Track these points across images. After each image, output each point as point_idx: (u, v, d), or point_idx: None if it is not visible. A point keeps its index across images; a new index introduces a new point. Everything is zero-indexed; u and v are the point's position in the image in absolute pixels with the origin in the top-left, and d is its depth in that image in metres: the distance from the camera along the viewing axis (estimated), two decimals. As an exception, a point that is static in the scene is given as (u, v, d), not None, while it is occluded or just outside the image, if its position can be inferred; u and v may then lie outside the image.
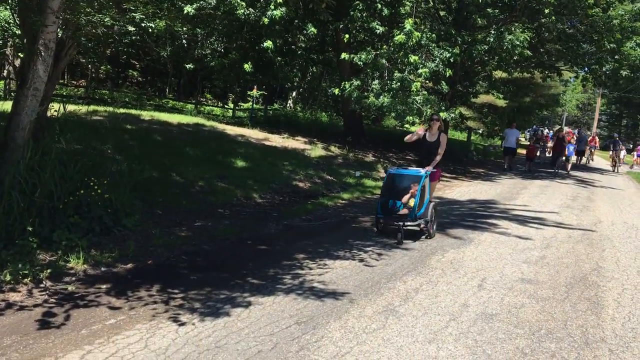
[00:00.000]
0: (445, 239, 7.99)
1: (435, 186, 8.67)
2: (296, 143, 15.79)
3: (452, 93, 18.99)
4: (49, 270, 5.17)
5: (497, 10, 17.20)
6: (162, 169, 9.67)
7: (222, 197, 9.40)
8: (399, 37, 12.83)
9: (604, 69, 19.71)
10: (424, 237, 7.86)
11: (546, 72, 23.23)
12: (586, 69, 21.81)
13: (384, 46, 14.30)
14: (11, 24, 13.80)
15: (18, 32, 11.41)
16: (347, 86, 14.31)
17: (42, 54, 6.13)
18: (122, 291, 4.99)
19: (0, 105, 10.20)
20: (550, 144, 25.87)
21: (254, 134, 15.62)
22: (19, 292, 4.78)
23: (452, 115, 15.28)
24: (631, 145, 46.45)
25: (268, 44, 13.36)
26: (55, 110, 7.34)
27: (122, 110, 14.90)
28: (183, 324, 4.34)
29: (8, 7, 9.98)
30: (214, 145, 12.82)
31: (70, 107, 8.94)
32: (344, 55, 14.00)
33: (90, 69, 26.78)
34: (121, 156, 8.74)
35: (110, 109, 14.76)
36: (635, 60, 19.16)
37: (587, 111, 67.42)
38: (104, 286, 5.10)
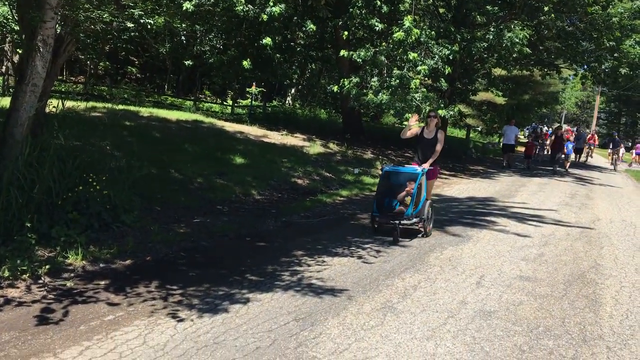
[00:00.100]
0: (444, 236, 7.99)
1: (433, 184, 8.56)
2: (295, 140, 15.78)
3: (451, 90, 18.98)
4: (47, 267, 5.17)
5: (496, 8, 17.17)
6: (161, 166, 9.67)
7: (221, 194, 9.40)
8: (398, 34, 12.81)
9: (603, 67, 19.70)
10: (420, 235, 7.82)
11: (545, 70, 23.22)
12: (585, 66, 21.82)
13: (383, 43, 14.28)
14: (9, 20, 13.77)
15: (16, 28, 11.39)
16: (346, 83, 14.30)
17: (41, 50, 6.11)
18: (121, 287, 4.99)
19: (-2, 101, 10.17)
20: (549, 141, 25.88)
21: (253, 131, 15.61)
22: (18, 288, 4.78)
23: (451, 112, 15.27)
24: (630, 143, 46.50)
25: (267, 40, 13.33)
26: (54, 107, 7.33)
27: (120, 107, 14.88)
28: (181, 320, 4.35)
29: (6, 2, 9.95)
30: (212, 142, 12.81)
31: (69, 104, 8.94)
32: (343, 52, 13.98)
33: (89, 65, 26.74)
34: (120, 153, 8.73)
35: (109, 105, 14.74)
36: (634, 58, 19.15)
37: (586, 109, 67.43)
38: (103, 282, 5.11)
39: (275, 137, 15.52)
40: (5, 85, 18.21)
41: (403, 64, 13.56)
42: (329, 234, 7.68)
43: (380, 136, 20.63)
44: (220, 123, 15.80)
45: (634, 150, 33.12)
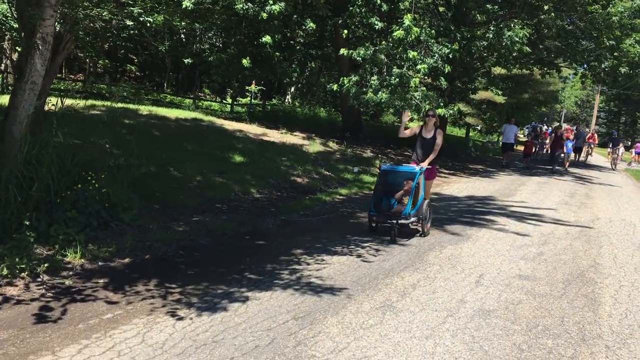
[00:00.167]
0: (443, 235, 7.99)
1: (431, 185, 8.46)
2: (294, 138, 15.77)
3: (450, 89, 18.97)
4: (46, 265, 5.17)
5: (496, 7, 17.16)
6: (160, 164, 9.65)
7: (220, 192, 9.39)
8: (398, 33, 12.79)
9: (603, 66, 19.67)
10: (418, 235, 7.78)
11: (545, 69, 23.20)
12: (585, 65, 21.82)
13: (383, 42, 14.26)
14: (9, 18, 13.73)
15: (16, 25, 11.36)
16: (345, 82, 14.28)
17: (40, 47, 6.10)
18: (120, 286, 4.98)
19: (-3, 99, 10.16)
20: (548, 140, 25.89)
21: (252, 129, 15.60)
22: (16, 286, 4.77)
23: (451, 111, 15.26)
24: (629, 143, 46.53)
25: (267, 39, 13.31)
26: (53, 105, 7.32)
27: (120, 105, 14.86)
28: (180, 318, 4.34)
29: (6, 0, 9.94)
30: (212, 140, 12.80)
31: (68, 102, 8.93)
32: (342, 51, 13.96)
33: (88, 63, 26.69)
34: (119, 151, 8.71)
35: (108, 103, 14.73)
36: (634, 57, 19.14)
37: (586, 108, 67.47)
38: (101, 280, 5.10)
39: (275, 136, 15.51)
40: (4, 83, 18.18)
41: (403, 63, 13.55)
42: (328, 233, 7.68)
43: (379, 135, 20.62)
44: (219, 121, 15.78)
45: (633, 150, 33.16)
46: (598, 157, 32.37)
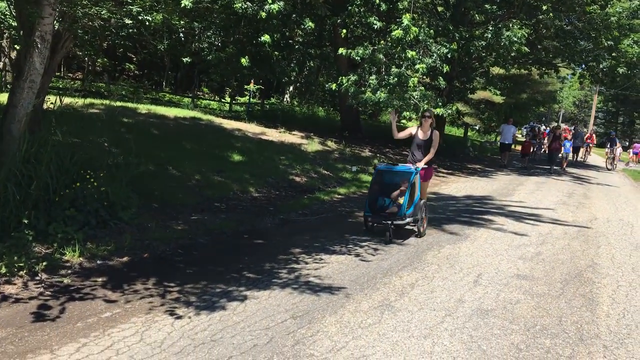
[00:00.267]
0: (441, 235, 8.00)
1: (428, 185, 8.31)
2: (293, 137, 15.77)
3: (449, 89, 18.99)
4: (44, 263, 5.16)
5: (495, 7, 17.18)
6: (159, 163, 9.65)
7: (219, 191, 9.39)
8: (397, 33, 12.79)
9: (601, 66, 19.68)
10: (413, 236, 7.71)
11: (543, 69, 23.24)
12: (583, 66, 21.82)
13: (382, 41, 14.26)
14: (7, 16, 13.72)
15: (14, 23, 11.36)
16: (344, 81, 14.28)
17: (39, 46, 6.10)
18: (118, 284, 4.98)
19: (-4, 97, 10.15)
20: (546, 140, 25.92)
21: (251, 128, 15.60)
22: (15, 284, 4.77)
23: (449, 111, 15.26)
24: (627, 143, 46.61)
25: (265, 38, 13.31)
26: (52, 103, 7.32)
27: (118, 104, 14.86)
28: (179, 317, 4.34)
29: (4, -2, 9.93)
30: (210, 139, 12.79)
31: (67, 100, 8.93)
32: (341, 50, 13.96)
33: (86, 62, 26.67)
34: (117, 149, 8.71)
35: (107, 102, 14.72)
36: (632, 57, 19.15)
37: (584, 108, 67.56)
38: (100, 279, 5.10)
39: (273, 135, 15.51)
40: (2, 81, 18.16)
41: (401, 62, 13.55)
42: (327, 232, 7.68)
43: (378, 134, 20.62)
44: (218, 120, 15.78)
45: (631, 150, 33.22)
46: (596, 157, 32.41)
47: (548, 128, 32.73)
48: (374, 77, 13.90)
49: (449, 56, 14.17)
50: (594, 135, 32.55)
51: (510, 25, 15.53)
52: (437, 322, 4.62)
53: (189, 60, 19.83)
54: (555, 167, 20.19)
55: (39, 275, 5.00)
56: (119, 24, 8.14)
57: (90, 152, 7.53)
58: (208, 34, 19.72)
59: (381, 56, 13.75)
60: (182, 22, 10.00)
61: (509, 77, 27.62)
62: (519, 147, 24.79)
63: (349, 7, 14.06)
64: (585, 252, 7.62)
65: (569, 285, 6.00)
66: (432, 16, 20.28)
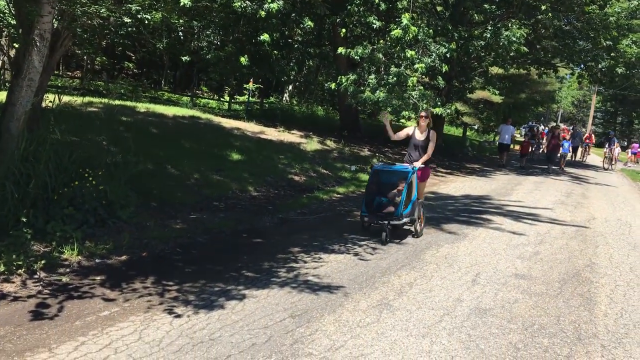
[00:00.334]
0: (440, 234, 8.00)
1: (425, 186, 8.20)
2: (292, 137, 15.77)
3: (448, 88, 18.98)
4: (43, 262, 5.16)
5: (494, 6, 17.17)
6: (158, 162, 9.64)
7: (218, 190, 9.39)
8: (396, 32, 12.79)
9: (599, 66, 19.69)
10: (410, 236, 7.66)
11: (542, 69, 23.23)
12: (582, 66, 21.83)
13: (381, 41, 14.26)
14: (6, 14, 13.69)
15: (13, 22, 11.34)
16: (343, 80, 14.28)
17: (38, 44, 6.09)
18: (117, 283, 4.98)
19: (-6, 96, 10.13)
20: (545, 140, 25.94)
21: (250, 127, 15.59)
22: (13, 283, 4.77)
23: (448, 110, 15.26)
24: (625, 143, 46.67)
25: (265, 37, 13.30)
26: (50, 101, 7.30)
27: (117, 102, 14.84)
28: (177, 316, 4.34)
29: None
30: (209, 138, 12.79)
31: (65, 98, 8.91)
32: (340, 50, 13.96)
33: (85, 60, 26.65)
34: (116, 148, 8.70)
35: (106, 100, 14.70)
36: (631, 57, 19.18)
37: (582, 108, 67.62)
38: (98, 278, 5.10)
39: (272, 134, 15.51)
40: (1, 79, 18.14)
41: (400, 62, 13.55)
42: (326, 231, 7.68)
43: (377, 133, 20.61)
44: (217, 119, 15.77)
45: (629, 150, 33.25)
46: (595, 157, 32.43)
47: (547, 128, 32.77)
48: (373, 76, 13.90)
49: (448, 56, 14.18)
50: (592, 135, 32.60)
51: (509, 25, 15.53)
52: (436, 321, 4.63)
53: (188, 59, 19.77)
54: (553, 167, 20.21)
55: (38, 273, 5.00)
56: (118, 23, 8.13)
57: (89, 151, 7.53)
58: (207, 32, 19.68)
59: (380, 56, 13.76)
60: (181, 21, 9.99)
61: (507, 76, 27.61)
62: (517, 147, 24.81)
63: (349, 7, 14.05)
64: (583, 251, 7.64)
65: (567, 284, 6.01)
66: (431, 16, 20.28)
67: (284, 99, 28.93)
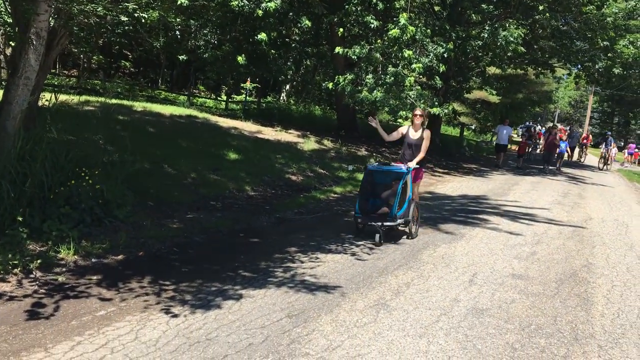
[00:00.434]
0: (437, 234, 8.00)
1: (419, 186, 8.13)
2: (289, 136, 15.76)
3: (445, 88, 18.99)
4: (39, 261, 5.14)
5: (491, 6, 17.19)
6: (154, 161, 9.63)
7: (215, 190, 9.37)
8: (394, 32, 12.80)
9: (596, 67, 19.75)
10: (404, 237, 7.56)
11: (539, 69, 23.29)
12: (579, 66, 21.88)
13: (379, 40, 14.27)
14: (2, 12, 13.66)
15: (9, 20, 11.31)
16: (340, 80, 14.29)
17: (34, 42, 6.07)
18: (113, 282, 4.97)
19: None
20: (542, 140, 25.98)
21: (247, 127, 15.57)
22: (9, 282, 4.75)
23: (446, 110, 15.28)
24: (622, 143, 46.79)
25: (262, 36, 13.30)
26: (47, 100, 7.28)
27: (114, 101, 14.80)
28: (174, 315, 4.33)
29: (-1, -6, 9.86)
30: (206, 137, 12.77)
31: (62, 97, 8.86)
32: (338, 49, 13.96)
33: (82, 59, 26.58)
34: (113, 147, 8.68)
35: (102, 99, 14.65)
36: (627, 58, 19.23)
37: (579, 108, 67.73)
38: (95, 277, 5.08)
39: (270, 133, 15.49)
40: (-3, 78, 18.07)
41: (398, 62, 13.56)
42: (323, 231, 7.67)
43: (374, 133, 20.56)
44: (214, 118, 15.75)
45: (626, 150, 33.34)
46: (593, 157, 32.51)
47: (544, 128, 32.84)
48: (370, 76, 13.91)
49: (446, 56, 14.20)
50: (590, 136, 32.69)
51: (507, 25, 15.54)
52: (433, 321, 4.63)
53: (185, 58, 19.77)
54: (550, 167, 20.24)
55: (34, 273, 4.98)
56: (115, 21, 8.11)
57: (86, 150, 7.50)
58: (204, 31, 19.67)
59: (378, 55, 13.77)
60: (178, 20, 9.96)
61: (505, 77, 27.65)
62: (514, 147, 24.85)
63: (346, 6, 14.06)
64: (580, 251, 7.64)
65: (564, 284, 6.01)
66: (429, 15, 20.28)
67: (282, 98, 28.92)
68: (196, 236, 6.82)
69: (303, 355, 3.85)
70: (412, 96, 13.42)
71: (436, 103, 14.33)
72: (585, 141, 29.62)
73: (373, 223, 7.12)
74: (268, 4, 12.27)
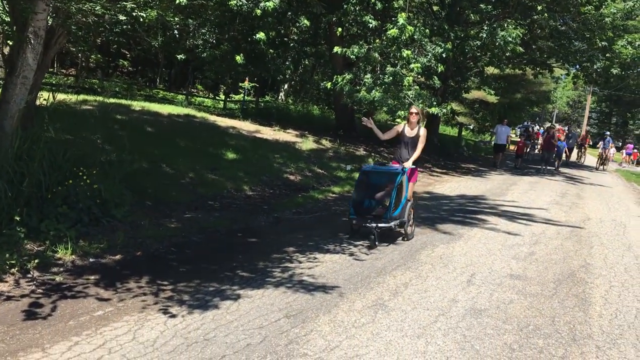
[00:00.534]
0: (435, 234, 8.00)
1: (414, 187, 7.95)
2: (287, 136, 15.75)
3: (444, 88, 19.01)
4: (36, 261, 5.13)
5: (490, 6, 17.20)
6: (152, 160, 9.61)
7: (213, 189, 9.36)
8: (392, 31, 12.80)
9: (595, 67, 19.77)
10: (400, 238, 7.48)
11: (538, 69, 23.31)
12: (577, 66, 21.92)
13: (377, 40, 14.27)
14: (0, 11, 13.63)
15: (7, 19, 11.27)
16: (339, 80, 14.28)
17: (32, 41, 6.05)
18: (111, 282, 4.96)
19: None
20: (540, 140, 26.00)
21: (245, 126, 15.56)
22: (6, 282, 4.73)
23: (444, 110, 15.29)
24: (620, 143, 46.88)
25: (260, 35, 13.29)
26: (45, 99, 7.26)
27: (112, 100, 14.77)
28: (172, 316, 4.32)
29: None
30: (204, 136, 12.76)
31: (60, 96, 8.87)
32: (336, 49, 13.95)
33: (80, 58, 26.54)
34: (111, 146, 8.66)
35: (100, 98, 14.62)
36: (626, 58, 19.25)
37: (578, 108, 67.82)
38: (92, 277, 5.07)
39: (268, 133, 15.48)
40: (-5, 76, 18.03)
41: (396, 61, 13.56)
42: (321, 231, 7.67)
43: (372, 133, 20.59)
44: (212, 118, 15.74)
45: (624, 150, 33.40)
46: (591, 158, 32.55)
47: (542, 128, 32.87)
48: (369, 76, 13.91)
49: (444, 56, 14.20)
50: (589, 136, 32.74)
51: (505, 25, 15.56)
52: (431, 322, 4.62)
53: (183, 57, 19.73)
54: (548, 167, 20.26)
55: (31, 272, 4.96)
56: (113, 20, 8.10)
57: (83, 149, 7.48)
58: (203, 31, 19.64)
59: (376, 55, 13.76)
60: (176, 19, 9.93)
61: (503, 77, 27.65)
62: (512, 147, 24.86)
63: (345, 6, 14.05)
64: (578, 252, 7.65)
65: (562, 285, 6.01)
66: (428, 15, 20.29)
67: (280, 98, 28.89)
68: (194, 236, 6.81)
69: (301, 355, 3.85)
70: (411, 96, 13.42)
71: (434, 103, 14.34)
72: (584, 141, 29.65)
73: (368, 224, 6.98)
74: (266, 3, 12.26)
